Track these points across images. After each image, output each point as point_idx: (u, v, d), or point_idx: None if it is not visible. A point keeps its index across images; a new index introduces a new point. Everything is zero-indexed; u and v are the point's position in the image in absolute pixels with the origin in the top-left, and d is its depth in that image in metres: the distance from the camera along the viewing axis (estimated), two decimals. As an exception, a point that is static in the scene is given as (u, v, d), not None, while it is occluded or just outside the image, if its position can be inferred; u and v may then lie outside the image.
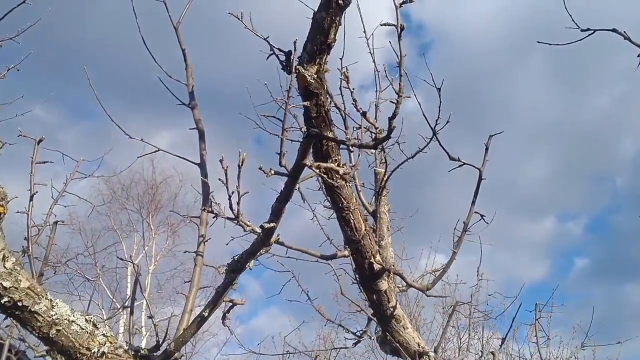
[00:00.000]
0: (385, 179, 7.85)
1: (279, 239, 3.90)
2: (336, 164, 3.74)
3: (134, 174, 23.85)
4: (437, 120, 4.25)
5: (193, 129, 5.40)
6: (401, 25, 2.88)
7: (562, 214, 27.54)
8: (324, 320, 10.74)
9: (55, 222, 6.16)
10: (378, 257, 4.83)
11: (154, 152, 5.21)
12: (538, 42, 5.44)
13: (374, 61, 8.68)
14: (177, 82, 5.61)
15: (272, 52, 3.58)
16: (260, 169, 3.36)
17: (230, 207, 3.59)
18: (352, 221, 4.62)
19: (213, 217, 3.73)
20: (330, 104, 4.06)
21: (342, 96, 4.51)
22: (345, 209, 4.55)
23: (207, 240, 4.61)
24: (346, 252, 9.04)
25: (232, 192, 3.54)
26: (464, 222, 4.74)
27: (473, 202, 4.66)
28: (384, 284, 4.92)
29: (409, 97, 2.84)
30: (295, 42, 3.41)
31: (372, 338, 9.85)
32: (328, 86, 4.06)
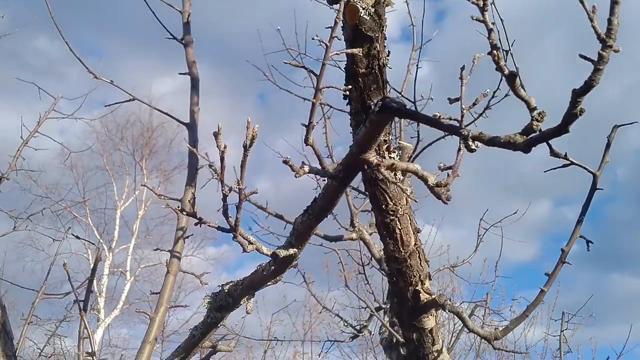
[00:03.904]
0: (413, 156, 6.21)
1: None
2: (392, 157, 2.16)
3: (130, 115, 21.98)
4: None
5: (184, 74, 3.76)
6: None
7: (559, 198, 26.43)
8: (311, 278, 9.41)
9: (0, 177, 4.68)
10: (427, 284, 3.24)
11: (128, 101, 3.59)
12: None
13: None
14: (169, 6, 3.95)
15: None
16: (285, 162, 1.77)
17: (225, 214, 1.99)
18: (398, 232, 3.02)
19: (196, 224, 2.10)
20: (388, 56, 2.56)
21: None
22: (391, 213, 2.95)
23: (187, 237, 3.03)
24: (354, 235, 7.56)
25: (230, 190, 1.94)
26: (562, 250, 3.12)
27: (579, 222, 3.04)
28: (430, 321, 3.31)
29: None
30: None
31: (373, 334, 8.46)
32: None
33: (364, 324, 7.79)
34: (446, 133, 5.62)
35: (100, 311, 19.16)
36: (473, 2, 1.45)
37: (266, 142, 8.43)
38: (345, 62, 2.61)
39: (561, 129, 1.35)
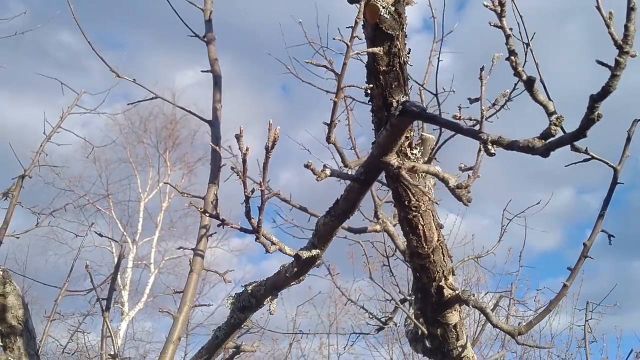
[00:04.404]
0: (436, 148, 6.22)
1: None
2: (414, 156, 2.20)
3: (153, 107, 22.12)
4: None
5: (206, 71, 3.81)
6: None
7: (581, 187, 26.24)
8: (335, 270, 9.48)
9: (22, 176, 4.74)
10: (450, 279, 3.27)
11: (150, 99, 3.64)
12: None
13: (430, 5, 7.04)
14: (190, 4, 4.00)
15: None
16: (307, 166, 1.81)
17: (247, 215, 2.04)
18: (421, 227, 3.05)
19: (219, 225, 2.15)
20: (408, 54, 2.56)
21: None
22: (414, 209, 2.98)
23: (210, 235, 3.09)
24: (377, 227, 7.58)
25: (252, 192, 1.98)
26: (584, 244, 3.13)
27: (601, 216, 3.05)
28: (454, 316, 3.35)
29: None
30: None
31: (398, 325, 8.48)
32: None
33: (389, 315, 7.80)
34: (472, 126, 5.61)
35: (124, 304, 19.35)
36: (490, 8, 1.47)
37: (289, 133, 8.43)
38: (367, 59, 2.65)
39: (579, 134, 1.38)
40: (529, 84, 1.42)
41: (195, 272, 2.96)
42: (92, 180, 21.04)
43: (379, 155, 1.96)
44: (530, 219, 7.44)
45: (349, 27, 2.39)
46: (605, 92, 1.32)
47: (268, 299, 2.37)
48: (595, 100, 1.33)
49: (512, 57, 1.44)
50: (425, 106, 1.93)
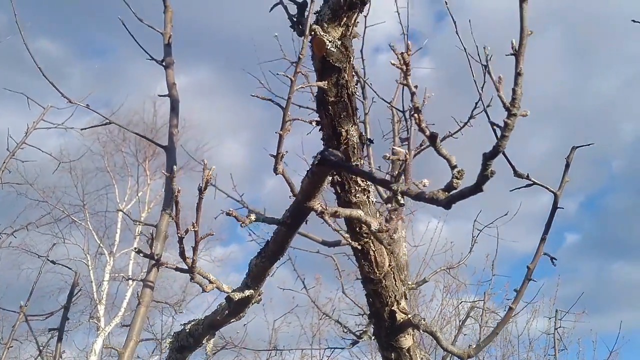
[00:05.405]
0: (407, 161, 6.30)
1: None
2: (361, 194, 2.27)
3: (133, 115, 21.85)
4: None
5: (164, 96, 3.87)
6: None
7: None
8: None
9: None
10: (403, 304, 3.36)
11: (104, 124, 3.71)
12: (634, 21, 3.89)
13: (400, 23, 7.14)
14: (150, 28, 4.06)
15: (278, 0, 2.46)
16: (228, 214, 1.89)
17: (182, 255, 2.11)
18: (372, 253, 3.13)
19: (154, 265, 2.22)
20: (356, 85, 2.69)
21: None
22: (364, 235, 3.07)
23: (160, 266, 3.13)
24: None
25: (186, 232, 2.06)
26: (527, 267, 3.24)
27: (543, 240, 3.17)
28: (407, 340, 3.43)
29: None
30: (315, -10, 2.25)
31: (373, 338, 8.56)
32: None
33: (364, 329, 7.89)
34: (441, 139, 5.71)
35: (100, 319, 19.16)
36: (397, 67, 1.55)
37: (273, 141, 8.48)
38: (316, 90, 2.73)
39: (476, 189, 1.47)
40: (432, 139, 1.51)
41: (143, 305, 2.99)
42: (67, 191, 20.83)
43: (302, 200, 2.04)
44: (512, 223, 7.59)
45: (293, 63, 2.46)
46: (495, 151, 1.40)
47: (206, 338, 2.43)
48: (488, 158, 1.42)
49: (416, 115, 1.53)
50: (342, 156, 2.01)
